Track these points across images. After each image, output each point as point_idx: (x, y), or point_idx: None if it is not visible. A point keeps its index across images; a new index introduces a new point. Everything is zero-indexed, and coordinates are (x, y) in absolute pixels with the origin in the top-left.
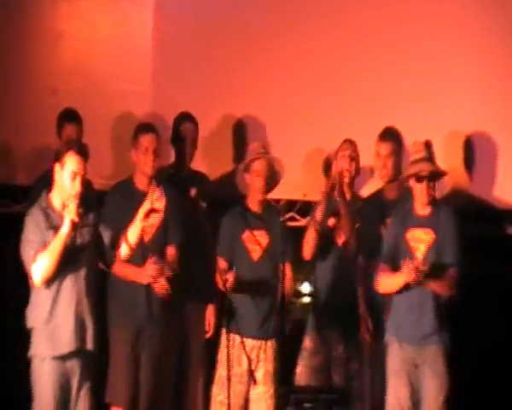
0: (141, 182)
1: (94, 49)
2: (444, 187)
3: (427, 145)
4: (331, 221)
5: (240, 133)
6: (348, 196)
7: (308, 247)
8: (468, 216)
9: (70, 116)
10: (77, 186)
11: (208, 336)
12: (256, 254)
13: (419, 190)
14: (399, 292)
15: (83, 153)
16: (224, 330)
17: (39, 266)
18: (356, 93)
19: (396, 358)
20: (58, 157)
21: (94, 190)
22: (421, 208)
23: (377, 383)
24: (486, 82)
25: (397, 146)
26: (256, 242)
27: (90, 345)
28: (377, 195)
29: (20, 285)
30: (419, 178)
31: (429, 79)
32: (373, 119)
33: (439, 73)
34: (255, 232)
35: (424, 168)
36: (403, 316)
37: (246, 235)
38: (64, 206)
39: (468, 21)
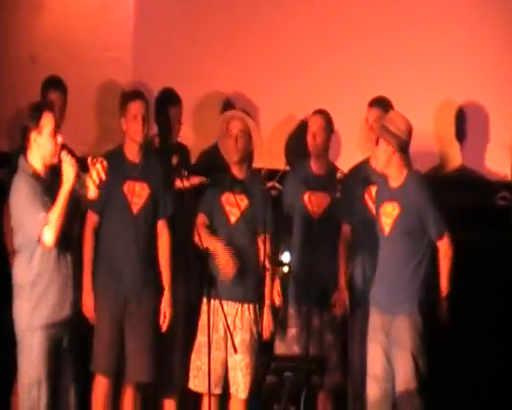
0: (131, 151)
1: (74, 16)
2: (435, 157)
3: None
4: (306, 196)
5: (224, 105)
6: (322, 169)
7: None
8: (459, 186)
9: (54, 83)
10: (59, 140)
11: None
12: (233, 217)
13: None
14: None
15: (50, 109)
16: (204, 297)
17: (51, 226)
18: (344, 64)
19: (371, 326)
20: (33, 121)
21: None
22: (393, 180)
23: (355, 353)
24: (478, 52)
25: (385, 114)
26: (235, 205)
27: (70, 311)
28: (363, 163)
29: None
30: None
31: (420, 48)
32: (362, 89)
33: (430, 43)
34: (236, 196)
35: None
36: (377, 284)
37: (225, 197)
38: (45, 166)
39: None
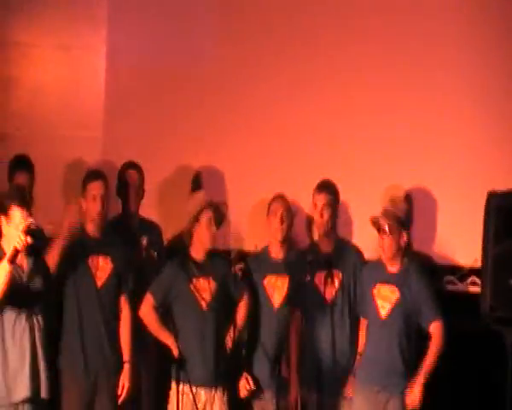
0: (91, 229)
1: (44, 94)
2: None
3: (393, 199)
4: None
5: (195, 183)
6: (282, 254)
7: None
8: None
9: (21, 164)
10: (22, 237)
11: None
12: (204, 302)
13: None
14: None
15: (26, 201)
16: (173, 381)
17: None
18: (301, 145)
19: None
20: (2, 209)
21: (45, 237)
22: (390, 264)
23: None
24: (425, 138)
25: (332, 198)
26: (204, 289)
27: (43, 393)
28: (310, 247)
29: None
30: (378, 231)
31: (370, 133)
32: (313, 173)
33: (379, 127)
34: (202, 280)
35: (380, 220)
36: (369, 365)
37: (193, 283)
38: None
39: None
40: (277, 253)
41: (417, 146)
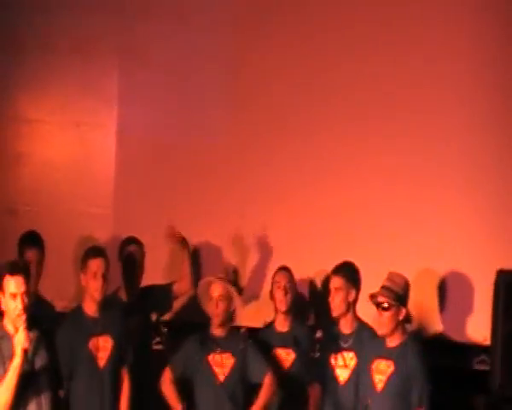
0: (89, 308)
1: (54, 170)
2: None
3: (392, 277)
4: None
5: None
6: (286, 326)
7: None
8: (439, 349)
9: (30, 240)
10: (19, 306)
11: None
12: (222, 376)
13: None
14: None
15: (21, 270)
16: None
17: None
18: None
19: None
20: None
21: (54, 311)
22: (390, 339)
23: None
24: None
25: (347, 281)
26: (222, 364)
27: None
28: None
29: None
30: (377, 307)
31: (404, 217)
32: (342, 253)
33: (413, 212)
34: (221, 355)
35: (378, 296)
36: None
37: (211, 357)
38: (17, 330)
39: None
40: (282, 325)
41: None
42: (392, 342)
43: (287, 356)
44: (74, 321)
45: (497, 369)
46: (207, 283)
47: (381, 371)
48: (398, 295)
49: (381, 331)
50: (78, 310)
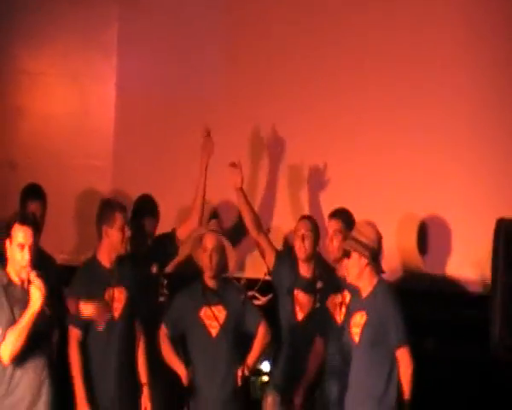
0: (105, 259)
1: (54, 123)
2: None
3: (358, 226)
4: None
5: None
6: (309, 273)
7: None
8: (420, 297)
9: (33, 192)
10: (25, 256)
11: None
12: (214, 330)
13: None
14: None
15: (30, 222)
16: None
17: (9, 343)
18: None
19: None
20: (7, 233)
21: (55, 265)
22: (363, 290)
23: None
24: (438, 166)
25: (344, 225)
26: (214, 318)
27: None
28: (332, 273)
29: None
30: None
31: (389, 166)
32: (327, 200)
33: (392, 158)
34: (213, 308)
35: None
36: (348, 392)
37: (203, 311)
38: (21, 279)
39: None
40: (305, 271)
41: (429, 174)
42: (365, 292)
43: (308, 301)
44: (89, 272)
45: (497, 318)
46: (200, 235)
47: (357, 324)
48: (360, 242)
49: (348, 279)
50: (93, 261)
